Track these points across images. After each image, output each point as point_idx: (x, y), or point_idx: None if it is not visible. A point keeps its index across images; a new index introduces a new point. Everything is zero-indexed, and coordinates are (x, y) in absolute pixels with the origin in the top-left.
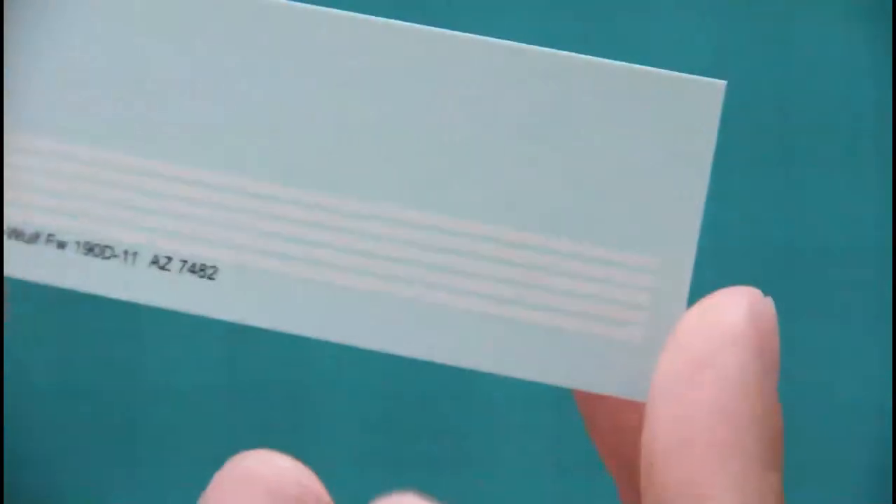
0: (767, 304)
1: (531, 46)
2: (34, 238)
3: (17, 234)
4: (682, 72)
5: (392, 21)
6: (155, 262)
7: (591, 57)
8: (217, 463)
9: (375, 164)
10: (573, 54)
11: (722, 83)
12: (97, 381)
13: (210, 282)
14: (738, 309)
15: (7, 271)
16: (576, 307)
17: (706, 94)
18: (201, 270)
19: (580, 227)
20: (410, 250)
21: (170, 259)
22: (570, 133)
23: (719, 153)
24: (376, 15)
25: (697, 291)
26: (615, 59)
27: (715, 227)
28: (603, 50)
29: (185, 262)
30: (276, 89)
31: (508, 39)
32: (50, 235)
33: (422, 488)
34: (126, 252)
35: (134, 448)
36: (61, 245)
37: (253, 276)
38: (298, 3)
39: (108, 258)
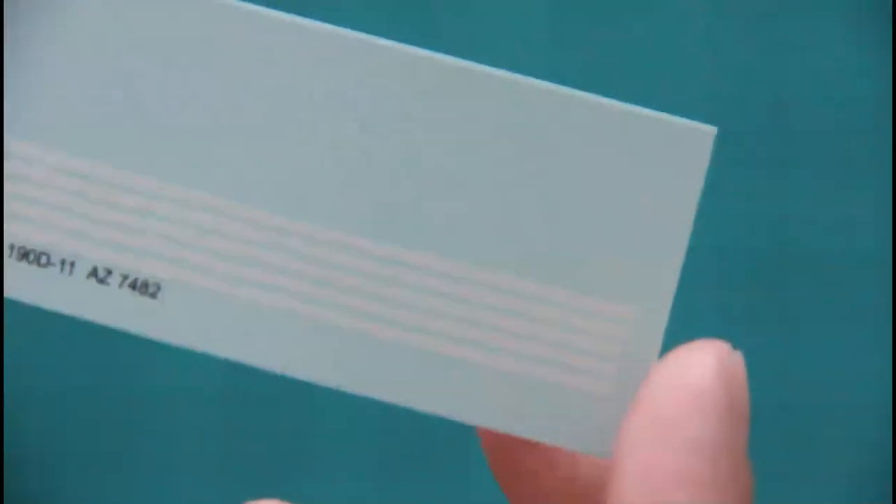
0: (736, 359)
1: (515, 76)
2: None
3: None
4: (682, 71)
5: (384, 42)
6: (93, 274)
7: (577, 91)
8: (217, 463)
9: (342, 190)
10: (560, 88)
11: (712, 130)
12: (97, 381)
13: (152, 300)
14: (705, 368)
15: None
16: (542, 354)
17: (695, 139)
18: (143, 287)
19: (554, 272)
20: (367, 282)
21: (109, 272)
22: (553, 171)
23: (717, 152)
24: (373, 23)
25: (694, 295)
26: (613, 59)
27: (712, 228)
28: (601, 51)
29: (125, 276)
30: (251, 106)
31: (508, 42)
32: None
33: (421, 491)
34: (63, 261)
35: (133, 449)
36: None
37: (198, 297)
38: (300, 19)
39: (44, 266)
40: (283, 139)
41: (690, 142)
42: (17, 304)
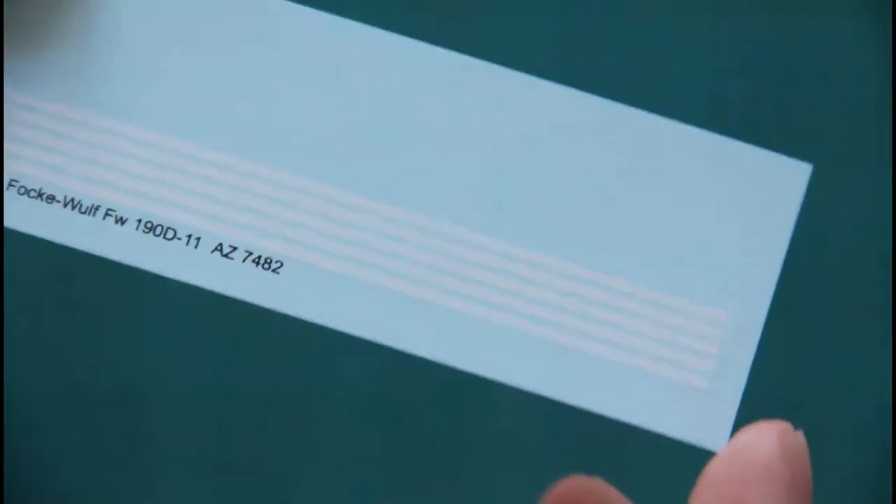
0: (798, 439)
1: (635, 109)
2: (92, 210)
3: (74, 205)
4: (681, 72)
5: (493, 66)
6: (218, 249)
7: (686, 126)
8: (217, 464)
9: (459, 189)
10: (676, 123)
11: (807, 167)
12: (97, 381)
13: (274, 275)
14: (769, 447)
15: (59, 240)
16: (650, 350)
17: (792, 172)
18: (266, 263)
19: (662, 278)
20: (486, 274)
21: (234, 248)
22: (663, 191)
23: None
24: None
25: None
26: (617, 59)
27: None
28: (603, 50)
29: (249, 253)
30: (366, 103)
31: (513, 39)
32: (109, 210)
33: (419, 490)
34: (190, 236)
35: (133, 448)
36: (121, 221)
37: (317, 274)
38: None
39: (170, 239)
40: (412, 143)
41: (789, 173)
42: (17, 305)
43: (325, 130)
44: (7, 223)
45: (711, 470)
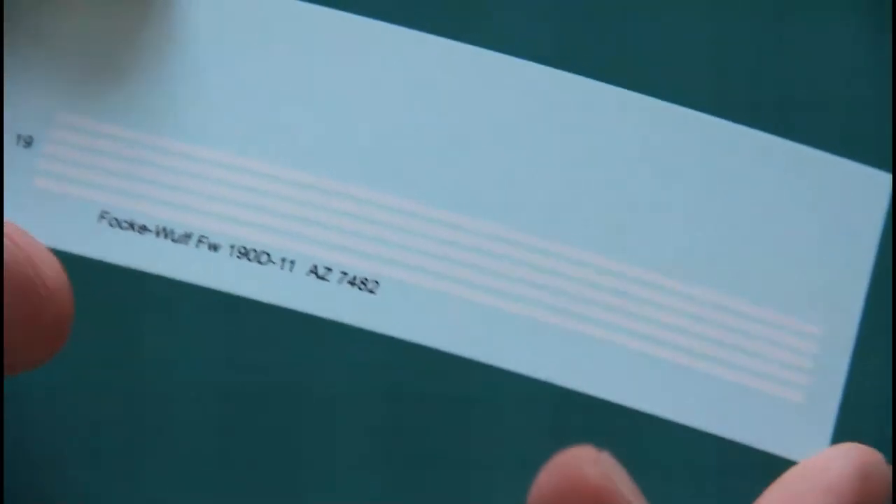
0: (881, 469)
1: (720, 119)
2: (184, 238)
3: (167, 234)
4: (679, 73)
5: (566, 74)
6: (313, 271)
7: (775, 137)
8: (217, 464)
9: (547, 204)
10: (767, 134)
11: (887, 177)
12: (97, 381)
13: (370, 295)
14: (844, 468)
15: (152, 269)
16: (743, 363)
17: (874, 183)
18: (362, 284)
19: (753, 290)
20: (581, 287)
21: (329, 270)
22: (752, 203)
23: None
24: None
25: None
26: (617, 59)
27: None
28: (604, 50)
29: (345, 274)
30: (448, 119)
31: (513, 40)
32: (202, 237)
33: (422, 489)
34: (284, 259)
35: (133, 448)
36: (214, 247)
37: (414, 293)
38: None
39: (264, 264)
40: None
41: (871, 184)
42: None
43: (412, 146)
44: (99, 255)
45: (784, 478)
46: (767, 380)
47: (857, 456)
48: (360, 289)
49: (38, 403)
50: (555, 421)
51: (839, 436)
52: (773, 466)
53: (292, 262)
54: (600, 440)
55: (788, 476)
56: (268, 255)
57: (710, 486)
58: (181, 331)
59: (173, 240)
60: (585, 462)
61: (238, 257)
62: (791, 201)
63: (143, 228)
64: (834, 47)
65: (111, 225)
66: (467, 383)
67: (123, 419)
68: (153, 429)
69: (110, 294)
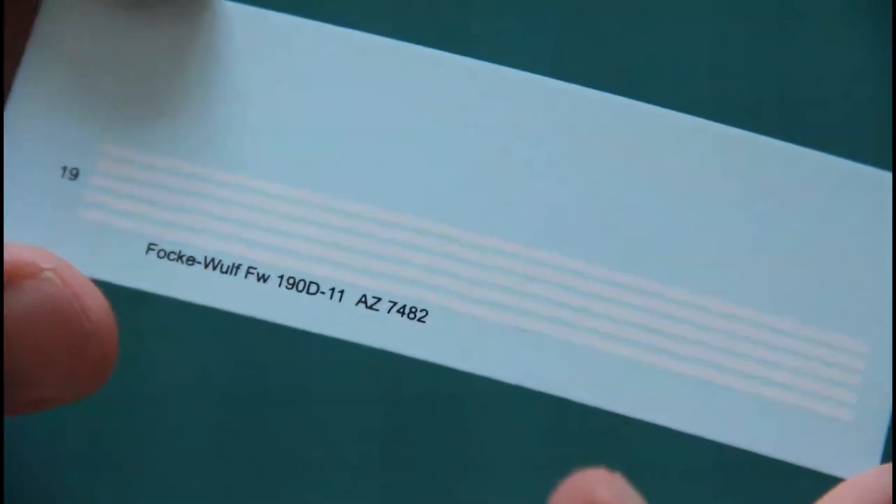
0: None
1: (746, 132)
2: (233, 269)
3: (215, 265)
4: (681, 73)
5: (611, 96)
6: (363, 301)
7: (816, 151)
8: (217, 464)
9: (594, 229)
10: (804, 148)
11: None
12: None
13: (420, 324)
14: (889, 482)
15: (205, 301)
16: (789, 381)
17: (877, 184)
18: (411, 313)
19: (798, 309)
20: (622, 310)
21: (378, 299)
22: (791, 222)
23: None
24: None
25: None
26: (618, 60)
27: None
28: (604, 51)
29: (394, 303)
30: (489, 144)
31: (514, 39)
32: (251, 268)
33: (420, 492)
34: (333, 289)
35: (133, 448)
36: (263, 278)
37: (464, 321)
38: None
39: (314, 294)
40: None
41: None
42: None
43: (459, 174)
44: (148, 287)
45: (832, 494)
46: (815, 399)
47: None
48: (409, 318)
49: None
50: (554, 424)
51: (889, 453)
52: (780, 471)
53: (342, 292)
54: (600, 442)
55: (836, 492)
56: (317, 285)
57: (711, 487)
58: (181, 333)
59: (222, 271)
60: (598, 484)
61: (287, 288)
62: (827, 217)
63: (192, 260)
64: (834, 47)
65: (159, 257)
66: (467, 385)
67: (122, 420)
68: (152, 431)
69: (113, 298)
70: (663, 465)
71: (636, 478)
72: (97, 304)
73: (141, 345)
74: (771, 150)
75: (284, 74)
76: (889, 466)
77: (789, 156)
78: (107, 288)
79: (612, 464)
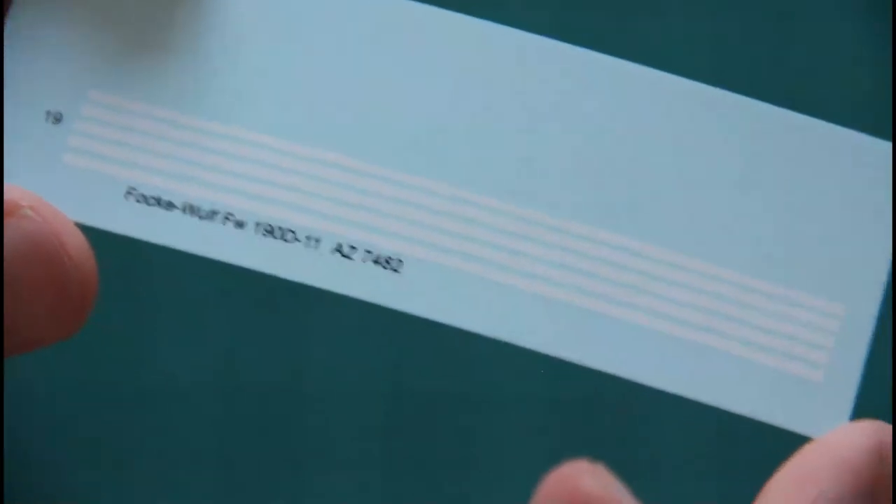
0: None
1: (741, 96)
2: (210, 216)
3: (193, 210)
4: (681, 73)
5: (602, 56)
6: (338, 249)
7: (800, 114)
8: (216, 464)
9: (575, 185)
10: (790, 111)
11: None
12: (97, 381)
13: (395, 274)
14: (859, 441)
15: (178, 246)
16: (762, 341)
17: (875, 152)
18: (386, 263)
19: (775, 269)
20: (602, 267)
21: (354, 249)
22: (773, 181)
23: None
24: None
25: None
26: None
27: None
28: (603, 51)
29: (369, 252)
30: (475, 101)
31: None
32: (228, 214)
33: (420, 491)
34: (309, 237)
35: (133, 448)
36: (239, 225)
37: (438, 272)
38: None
39: (290, 241)
40: (529, 138)
41: (874, 154)
42: None
43: (439, 127)
44: (126, 231)
45: (800, 454)
46: (787, 358)
47: (874, 432)
48: (384, 268)
49: (38, 403)
50: (555, 423)
51: (858, 414)
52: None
53: (317, 241)
54: (601, 442)
55: (805, 451)
56: (293, 232)
57: (710, 489)
58: (181, 331)
59: (199, 217)
60: (582, 475)
61: (263, 235)
62: (812, 179)
63: (170, 205)
64: (834, 48)
65: (138, 201)
66: (469, 383)
67: (123, 420)
68: (152, 429)
69: (110, 294)
70: (667, 466)
71: (637, 477)
72: (77, 242)
73: (141, 344)
74: (754, 111)
75: (271, 25)
76: (857, 424)
77: (774, 118)
78: (88, 234)
79: (613, 465)
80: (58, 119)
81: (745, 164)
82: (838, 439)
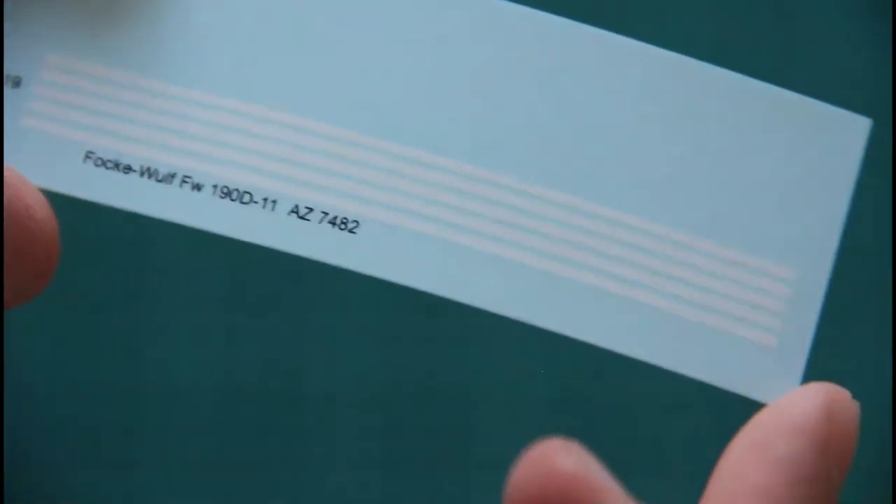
0: (850, 406)
1: (697, 61)
2: (168, 178)
3: (150, 173)
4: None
5: (552, 17)
6: (294, 211)
7: (755, 80)
8: (216, 463)
9: (526, 145)
10: (744, 77)
11: (867, 122)
12: (97, 381)
13: (351, 235)
14: (811, 403)
15: (136, 209)
16: (715, 305)
17: (852, 127)
18: (342, 224)
19: (726, 232)
20: (554, 227)
21: (310, 210)
22: (728, 146)
23: None
24: None
25: None
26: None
27: None
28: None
29: (325, 214)
30: (431, 61)
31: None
32: (186, 177)
33: (418, 489)
34: (266, 199)
35: (133, 448)
36: (197, 187)
37: (394, 233)
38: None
39: (247, 203)
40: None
41: (849, 128)
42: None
43: (395, 88)
44: (85, 195)
45: (753, 420)
46: (739, 322)
47: (823, 394)
48: (340, 229)
49: (38, 403)
50: (555, 423)
51: (809, 378)
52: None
53: (274, 202)
54: (601, 441)
55: (758, 418)
56: (250, 194)
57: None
58: (180, 331)
59: (157, 179)
60: (557, 453)
61: (221, 197)
62: (767, 144)
63: (128, 168)
64: (834, 48)
65: (96, 165)
66: (468, 383)
67: (122, 420)
68: (152, 429)
69: (111, 293)
70: (667, 466)
71: (637, 477)
72: (40, 204)
73: (141, 344)
74: (709, 75)
75: None
76: (807, 388)
77: (725, 81)
78: (47, 197)
79: (613, 464)
80: (16, 83)
81: (702, 129)
82: (789, 404)
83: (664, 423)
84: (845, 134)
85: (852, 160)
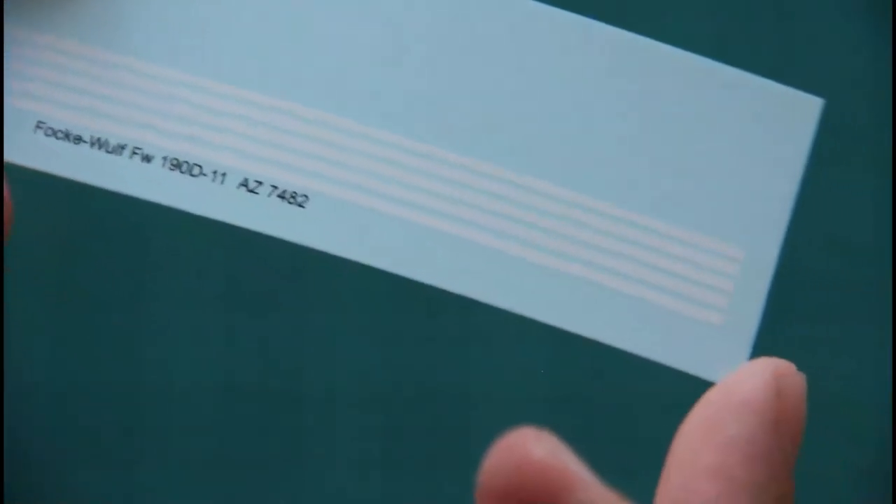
0: (797, 380)
1: (646, 39)
2: (118, 149)
3: (101, 144)
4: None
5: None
6: (244, 184)
7: (706, 59)
8: (216, 463)
9: (471, 120)
10: (695, 56)
11: (819, 101)
12: (97, 381)
13: (300, 209)
14: (759, 380)
15: (86, 179)
16: (663, 283)
17: (804, 107)
18: (291, 197)
19: (675, 211)
20: (500, 204)
21: (260, 183)
22: (679, 126)
23: None
24: None
25: None
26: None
27: None
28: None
29: (275, 187)
30: (385, 35)
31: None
32: (136, 148)
33: (418, 489)
34: (216, 172)
35: (133, 448)
36: (146, 159)
37: (343, 208)
38: None
39: (196, 176)
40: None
41: (801, 108)
42: (17, 304)
43: (345, 62)
44: (35, 164)
45: (703, 399)
46: (688, 301)
47: (770, 369)
48: (289, 203)
49: (38, 403)
50: (555, 423)
51: (756, 356)
52: None
53: (223, 175)
54: (601, 441)
55: (707, 398)
56: (199, 167)
57: None
58: (180, 331)
59: (107, 150)
60: (529, 441)
61: (170, 169)
62: (718, 123)
63: (78, 139)
64: (834, 48)
65: (47, 135)
66: (468, 382)
67: (122, 420)
68: (152, 429)
69: (110, 293)
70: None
71: (637, 477)
72: None
73: (140, 344)
74: (662, 55)
75: None
76: (754, 363)
77: (678, 61)
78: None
79: (613, 464)
80: None
81: (652, 107)
82: (738, 381)
83: (664, 423)
84: (797, 113)
85: (804, 140)
